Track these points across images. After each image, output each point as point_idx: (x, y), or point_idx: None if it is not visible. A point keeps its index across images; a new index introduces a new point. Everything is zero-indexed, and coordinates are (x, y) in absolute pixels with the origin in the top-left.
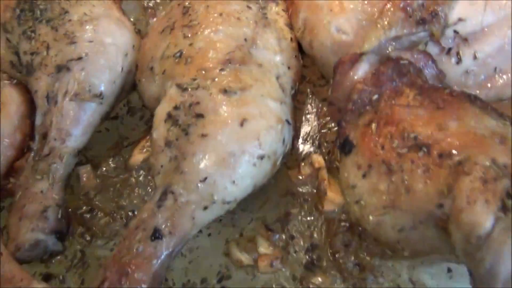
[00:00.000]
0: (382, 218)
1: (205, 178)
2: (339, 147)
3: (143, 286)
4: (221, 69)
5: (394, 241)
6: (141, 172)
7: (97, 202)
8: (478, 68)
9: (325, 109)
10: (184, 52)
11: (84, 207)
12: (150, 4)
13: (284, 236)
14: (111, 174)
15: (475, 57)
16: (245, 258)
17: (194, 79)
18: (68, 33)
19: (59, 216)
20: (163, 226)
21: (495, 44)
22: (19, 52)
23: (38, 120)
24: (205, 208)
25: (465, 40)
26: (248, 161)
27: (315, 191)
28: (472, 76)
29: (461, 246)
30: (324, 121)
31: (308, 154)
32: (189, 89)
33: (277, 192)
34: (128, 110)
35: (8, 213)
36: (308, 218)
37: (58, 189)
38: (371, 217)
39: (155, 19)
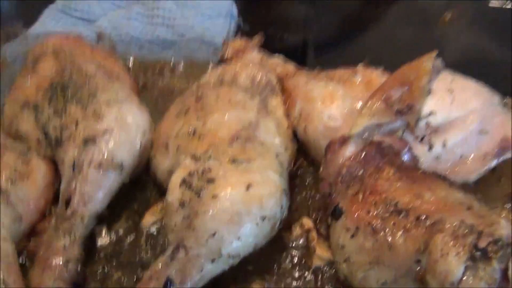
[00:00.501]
0: (368, 273)
1: (214, 234)
2: (330, 213)
3: None
4: (230, 144)
5: None
6: (151, 233)
7: (110, 259)
8: (447, 155)
9: (309, 184)
10: (197, 130)
11: (98, 263)
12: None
13: (276, 285)
14: (123, 234)
15: (444, 145)
16: None
17: (207, 151)
18: (96, 111)
19: (78, 269)
20: (175, 276)
21: (460, 135)
22: (47, 129)
23: (63, 186)
24: (213, 261)
25: (435, 130)
26: (252, 220)
27: (305, 249)
28: (441, 161)
29: None
30: (311, 194)
31: (299, 218)
32: (202, 159)
33: (272, 249)
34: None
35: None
36: (299, 272)
37: (78, 246)
38: (358, 273)
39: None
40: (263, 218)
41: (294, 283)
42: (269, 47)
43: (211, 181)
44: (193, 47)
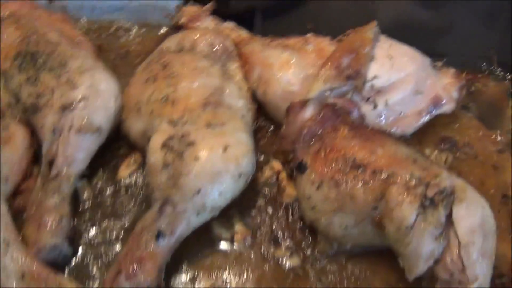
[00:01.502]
0: (332, 219)
1: (199, 191)
2: (295, 168)
3: (152, 276)
4: (203, 109)
5: (340, 237)
6: (128, 184)
7: (94, 211)
8: (388, 112)
9: (271, 131)
10: (169, 96)
11: (84, 216)
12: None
13: (254, 220)
14: (103, 187)
15: (386, 104)
16: (224, 232)
17: (182, 116)
18: (69, 80)
19: (71, 225)
20: (165, 229)
21: (399, 95)
22: (19, 94)
23: (45, 149)
24: (198, 214)
25: (378, 91)
26: (230, 177)
27: (275, 188)
28: (384, 118)
29: (393, 235)
30: (273, 140)
31: (268, 161)
32: (179, 124)
33: (247, 189)
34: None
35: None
36: (272, 208)
37: (67, 203)
38: (323, 219)
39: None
40: (240, 175)
41: (268, 218)
42: (217, 13)
43: (191, 144)
44: (145, 10)
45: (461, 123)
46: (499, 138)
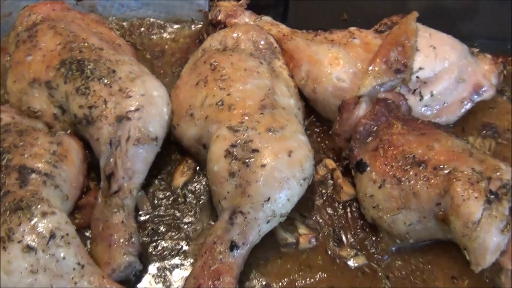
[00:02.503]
0: (396, 217)
1: (268, 199)
2: (355, 167)
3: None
4: (261, 113)
5: (404, 233)
6: (186, 192)
7: (156, 222)
8: (433, 103)
9: (318, 129)
10: (224, 101)
11: (147, 229)
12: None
13: (315, 221)
14: (160, 197)
15: (431, 95)
16: (289, 237)
17: (242, 122)
18: (122, 89)
19: (140, 240)
20: (237, 239)
21: (444, 85)
22: (67, 105)
23: (102, 163)
24: (268, 221)
25: (424, 83)
26: (297, 183)
27: (331, 187)
28: (430, 108)
29: (459, 230)
30: (322, 138)
31: (321, 160)
32: (241, 130)
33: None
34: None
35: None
36: (330, 207)
37: (132, 218)
38: (387, 217)
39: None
40: (304, 179)
41: (328, 218)
42: (251, 6)
43: (255, 151)
44: (173, 5)
45: (499, 108)
46: None
